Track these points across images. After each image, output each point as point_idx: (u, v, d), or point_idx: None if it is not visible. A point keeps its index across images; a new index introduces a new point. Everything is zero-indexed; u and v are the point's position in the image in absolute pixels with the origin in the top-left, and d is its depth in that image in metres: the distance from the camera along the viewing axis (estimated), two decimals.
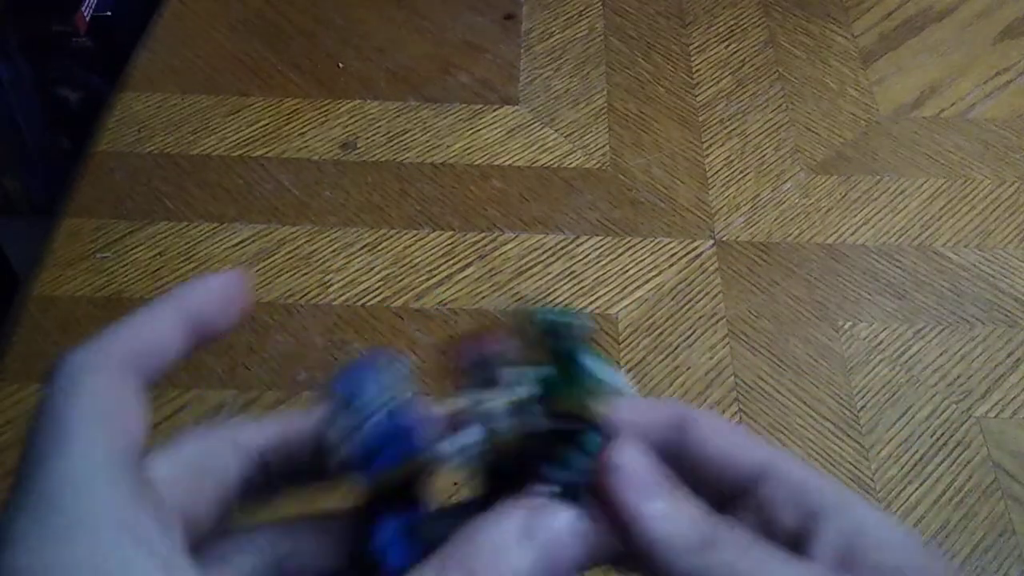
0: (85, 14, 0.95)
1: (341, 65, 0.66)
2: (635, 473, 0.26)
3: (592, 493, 0.26)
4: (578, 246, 0.56)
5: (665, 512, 0.25)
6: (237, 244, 0.56)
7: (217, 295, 0.26)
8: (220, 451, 0.27)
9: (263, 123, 0.62)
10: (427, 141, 0.61)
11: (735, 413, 0.49)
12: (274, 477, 0.28)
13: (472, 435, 0.24)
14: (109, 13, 0.97)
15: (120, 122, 0.62)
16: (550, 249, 0.56)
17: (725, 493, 0.28)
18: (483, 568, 0.22)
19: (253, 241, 0.56)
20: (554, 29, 0.69)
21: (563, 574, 0.24)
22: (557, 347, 0.25)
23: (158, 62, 0.67)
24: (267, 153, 0.61)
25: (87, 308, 0.52)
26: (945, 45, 0.68)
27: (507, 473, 0.25)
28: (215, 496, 0.26)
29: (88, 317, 0.52)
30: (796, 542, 0.26)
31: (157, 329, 0.25)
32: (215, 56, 0.67)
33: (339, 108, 0.63)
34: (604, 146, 0.62)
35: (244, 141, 0.61)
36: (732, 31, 0.69)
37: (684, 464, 0.28)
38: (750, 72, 0.66)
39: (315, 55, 0.67)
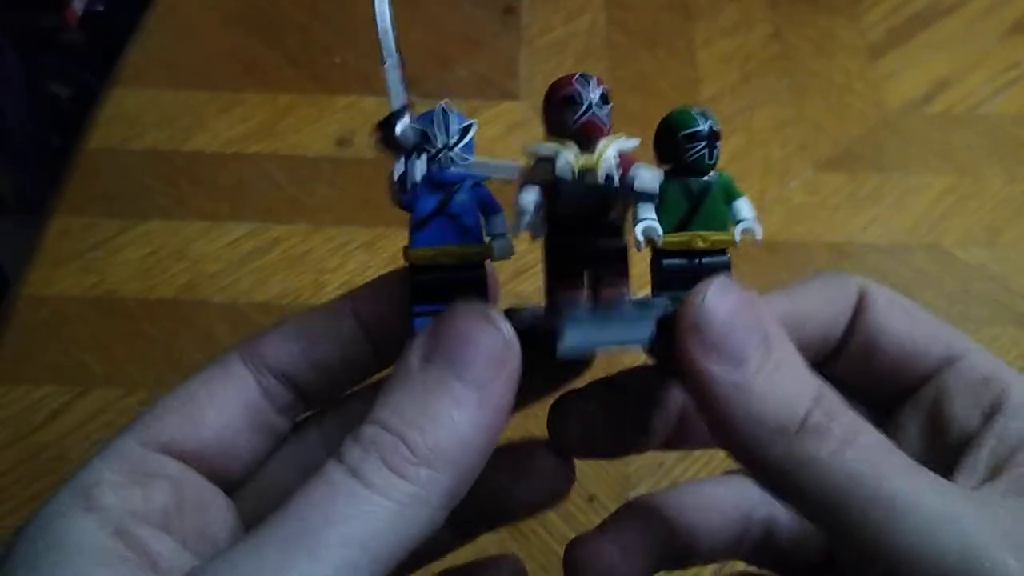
0: (76, 8, 0.93)
1: (337, 60, 0.65)
2: (720, 323, 0.21)
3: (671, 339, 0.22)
4: None
5: (756, 380, 0.20)
6: (230, 243, 0.54)
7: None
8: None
9: (257, 119, 0.61)
10: None
11: None
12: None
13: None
14: (101, 8, 0.96)
15: (111, 118, 0.61)
16: None
17: (900, 388, 0.24)
18: None
19: (247, 240, 0.55)
20: (555, 23, 0.68)
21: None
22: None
23: (150, 57, 0.66)
24: (261, 150, 0.59)
25: (78, 308, 0.51)
26: (954, 40, 0.67)
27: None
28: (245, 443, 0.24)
29: (79, 317, 0.50)
30: (962, 443, 0.22)
31: None
32: (208, 51, 0.66)
33: (335, 104, 0.62)
34: None
35: (238, 137, 0.60)
36: (737, 25, 0.68)
37: (855, 352, 0.24)
38: (755, 67, 0.65)
39: (310, 49, 0.66)
